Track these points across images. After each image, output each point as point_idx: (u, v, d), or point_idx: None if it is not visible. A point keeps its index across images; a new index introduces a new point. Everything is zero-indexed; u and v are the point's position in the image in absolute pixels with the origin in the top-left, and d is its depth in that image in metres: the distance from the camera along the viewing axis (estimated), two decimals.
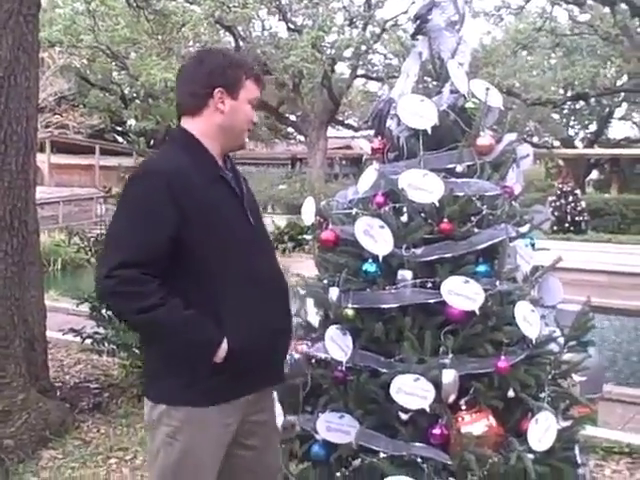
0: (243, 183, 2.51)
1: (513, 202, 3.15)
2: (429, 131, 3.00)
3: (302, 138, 32.06)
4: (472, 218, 2.96)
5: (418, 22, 3.11)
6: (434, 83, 3.19)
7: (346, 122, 34.07)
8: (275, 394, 2.81)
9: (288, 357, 3.28)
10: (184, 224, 2.26)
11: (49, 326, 5.37)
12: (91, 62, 29.82)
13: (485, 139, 3.01)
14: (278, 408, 3.16)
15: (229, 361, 2.30)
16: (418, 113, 2.99)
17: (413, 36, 3.20)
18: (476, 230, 2.96)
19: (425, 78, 3.21)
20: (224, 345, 2.29)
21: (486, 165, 3.05)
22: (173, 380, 2.38)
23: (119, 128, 35.90)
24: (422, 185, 2.92)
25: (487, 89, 3.07)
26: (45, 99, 26.32)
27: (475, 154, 3.01)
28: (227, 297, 2.34)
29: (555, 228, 23.33)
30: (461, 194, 2.94)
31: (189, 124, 2.44)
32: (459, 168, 3.00)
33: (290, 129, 35.19)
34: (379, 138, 3.23)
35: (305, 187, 25.57)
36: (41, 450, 4.46)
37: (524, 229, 3.15)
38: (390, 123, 3.19)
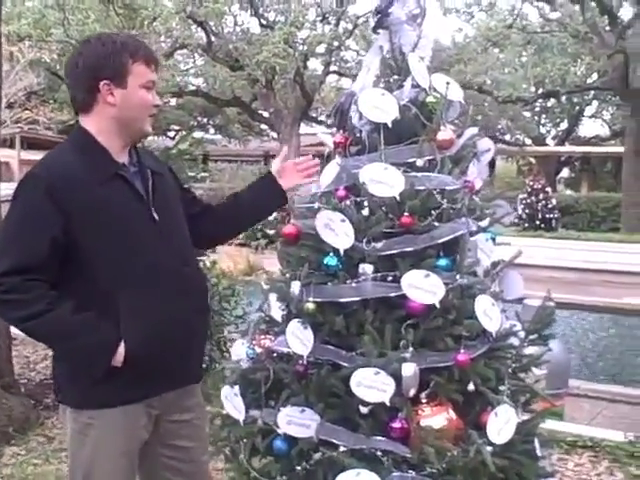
0: (153, 177, 2.41)
1: (474, 196, 3.16)
2: (390, 125, 3.00)
3: (275, 135, 32.01)
4: (433, 212, 2.96)
5: (379, 16, 3.11)
6: (395, 77, 3.19)
7: (319, 119, 34.07)
8: (199, 391, 2.74)
9: (247, 351, 3.29)
10: (69, 226, 2.23)
11: None
12: (61, 57, 29.44)
13: (445, 133, 3.02)
14: (238, 403, 3.16)
15: (126, 363, 2.25)
16: (379, 107, 2.99)
17: (374, 30, 3.20)
18: (437, 224, 2.96)
19: (386, 72, 3.20)
20: (121, 348, 2.23)
21: (447, 159, 3.05)
22: (76, 383, 2.37)
23: None
24: (383, 179, 2.92)
25: (447, 83, 3.07)
26: (15, 94, 26.03)
27: (436, 148, 3.02)
28: (122, 298, 2.27)
29: (526, 225, 23.56)
30: (422, 188, 2.95)
31: (85, 121, 2.38)
32: (419, 162, 3.01)
33: (263, 126, 35.12)
34: (341, 132, 3.23)
35: None
36: (3, 447, 4.43)
37: (485, 223, 3.17)
38: (352, 117, 3.18)
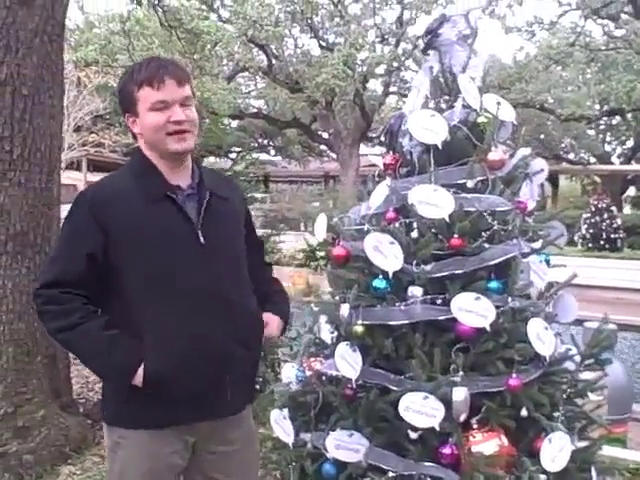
0: (211, 199, 2.41)
1: (526, 217, 3.10)
2: (440, 146, 2.97)
3: (335, 156, 32.12)
4: (483, 234, 2.92)
5: (429, 37, 3.09)
6: (445, 98, 3.16)
7: (378, 140, 34.05)
8: (247, 423, 2.66)
9: (297, 374, 3.27)
10: (109, 244, 2.28)
11: None
12: None
13: (496, 154, 2.97)
14: (287, 426, 3.15)
15: (147, 385, 2.25)
16: (429, 128, 2.96)
17: (424, 51, 3.18)
18: (487, 246, 2.91)
19: (436, 93, 3.18)
20: (140, 370, 2.23)
21: (498, 180, 3.01)
22: (110, 401, 2.42)
23: None
24: (432, 200, 2.89)
25: (498, 103, 3.03)
26: (81, 118, 26.72)
27: (486, 169, 2.97)
28: (149, 318, 2.27)
29: (590, 245, 23.08)
30: (472, 209, 2.91)
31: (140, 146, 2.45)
32: (470, 183, 2.96)
33: (323, 147, 35.29)
34: (391, 154, 3.21)
35: (337, 205, 25.60)
36: (60, 466, 4.50)
37: (537, 245, 3.10)
38: (402, 139, 3.16)
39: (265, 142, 39.40)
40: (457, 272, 2.89)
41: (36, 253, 4.76)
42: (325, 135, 31.40)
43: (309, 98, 26.43)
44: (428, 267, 2.90)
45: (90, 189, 2.45)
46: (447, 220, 2.88)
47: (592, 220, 23.61)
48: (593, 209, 23.76)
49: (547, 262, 3.21)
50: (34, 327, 4.70)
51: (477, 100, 3.05)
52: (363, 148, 31.04)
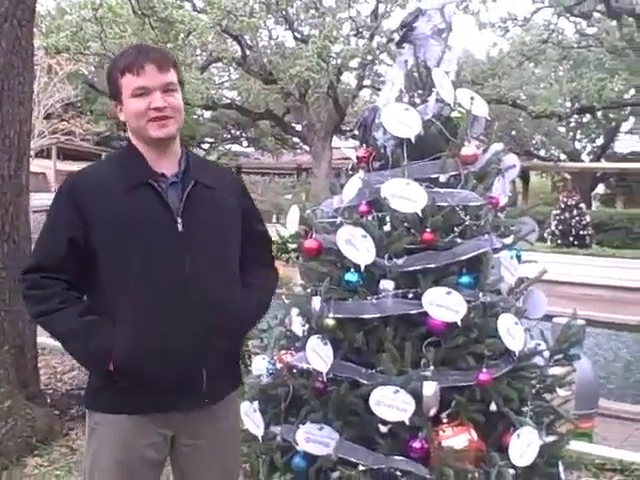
0: (196, 188, 2.38)
1: (498, 213, 3.12)
2: (413, 140, 2.96)
3: (308, 148, 32.08)
4: (455, 228, 2.92)
5: (404, 30, 3.08)
6: (419, 92, 3.15)
7: (352, 133, 34.06)
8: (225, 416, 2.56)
9: (267, 366, 3.26)
10: (88, 230, 2.28)
11: (44, 332, 5.33)
12: (98, 69, 29.91)
13: (469, 149, 2.98)
14: (257, 419, 3.14)
15: (117, 371, 2.26)
16: (402, 122, 2.96)
17: (399, 44, 3.17)
18: (459, 241, 2.92)
19: (410, 87, 3.17)
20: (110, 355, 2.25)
21: (470, 175, 3.01)
22: (89, 385, 2.45)
23: (125, 135, 36.04)
24: (405, 194, 2.88)
25: (472, 98, 3.03)
26: (52, 105, 26.40)
27: (459, 164, 2.97)
28: (122, 304, 2.27)
29: (559, 242, 23.29)
30: (444, 204, 2.91)
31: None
32: (443, 178, 2.96)
33: (296, 139, 35.22)
34: (364, 147, 3.20)
35: (310, 197, 25.57)
36: (26, 457, 4.44)
37: (509, 240, 3.11)
38: (376, 132, 3.16)
39: (238, 133, 39.21)
40: (429, 266, 2.89)
41: (4, 241, 4.69)
42: (298, 127, 31.33)
43: (283, 90, 26.35)
44: (400, 261, 2.90)
45: (73, 177, 2.45)
46: (419, 214, 2.88)
47: (561, 217, 23.82)
48: (563, 206, 23.96)
49: (518, 258, 3.22)
50: (1, 317, 4.64)
51: (451, 94, 3.05)
52: (336, 141, 31.04)
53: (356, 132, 3.21)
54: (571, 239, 23.32)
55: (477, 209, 2.95)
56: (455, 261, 2.90)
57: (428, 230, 2.86)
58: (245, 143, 40.76)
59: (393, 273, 2.91)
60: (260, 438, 3.16)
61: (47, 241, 2.39)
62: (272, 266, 2.75)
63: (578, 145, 40.61)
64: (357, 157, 3.21)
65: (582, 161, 38.40)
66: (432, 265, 2.89)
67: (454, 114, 3.07)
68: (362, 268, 2.91)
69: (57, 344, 6.44)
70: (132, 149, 2.41)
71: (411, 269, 2.90)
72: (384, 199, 2.92)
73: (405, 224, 2.93)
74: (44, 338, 5.43)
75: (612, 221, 26.66)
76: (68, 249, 2.31)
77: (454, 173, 2.99)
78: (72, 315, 2.28)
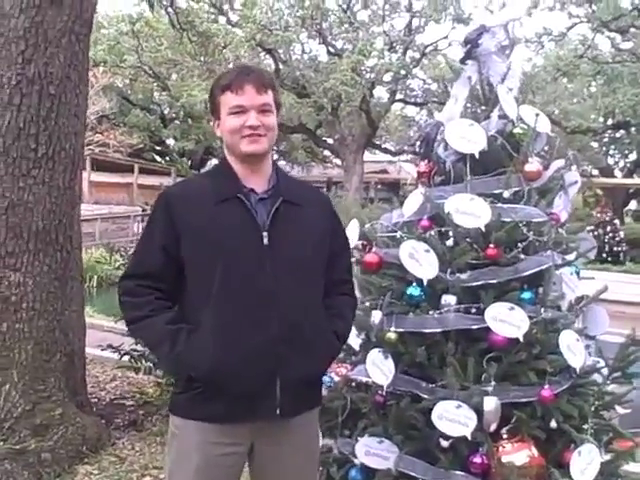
0: (283, 205, 2.41)
1: (559, 229, 3.12)
2: (477, 156, 2.98)
3: (338, 161, 32.15)
4: (518, 244, 2.93)
5: (468, 46, 3.11)
6: (482, 108, 3.18)
7: (383, 146, 34.10)
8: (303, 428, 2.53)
9: (325, 379, 3.27)
10: (178, 239, 2.36)
11: (88, 342, 5.41)
12: (133, 82, 30.33)
13: (533, 165, 2.99)
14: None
15: (200, 379, 2.32)
16: (466, 137, 2.98)
17: (463, 60, 3.19)
18: (522, 256, 2.93)
19: (473, 103, 3.19)
20: (198, 364, 2.31)
21: (533, 191, 3.03)
22: (173, 388, 2.54)
23: (158, 148, 36.37)
24: (469, 210, 2.90)
25: (537, 115, 3.05)
26: (87, 117, 26.75)
27: (523, 180, 2.99)
28: (206, 314, 2.33)
29: (592, 258, 23.06)
30: (508, 220, 2.92)
31: None
32: (506, 194, 2.98)
33: (327, 152, 35.31)
34: (426, 162, 3.22)
35: (340, 211, 25.56)
36: (77, 465, 4.48)
37: (570, 257, 3.11)
38: (437, 147, 3.18)
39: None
40: (491, 282, 2.90)
41: (57, 251, 4.75)
42: (330, 141, 31.43)
43: (315, 103, 26.48)
44: (463, 276, 2.92)
45: (169, 188, 2.58)
46: (483, 230, 2.90)
47: (595, 233, 23.59)
48: (597, 222, 23.73)
49: (577, 274, 3.23)
50: (53, 325, 4.70)
51: (514, 111, 3.07)
52: (367, 155, 31.10)
53: (417, 147, 3.22)
54: (605, 255, 23.05)
55: (540, 225, 2.96)
56: (517, 277, 2.91)
57: (492, 246, 2.88)
58: (276, 156, 40.98)
59: (455, 288, 2.92)
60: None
61: (142, 250, 2.49)
62: (352, 294, 2.68)
63: (611, 160, 40.26)
64: (418, 172, 3.23)
65: (615, 177, 38.05)
66: (494, 280, 2.90)
67: (517, 130, 3.09)
68: (425, 282, 2.93)
69: (99, 353, 6.52)
70: (225, 165, 2.49)
71: (474, 284, 2.91)
72: (447, 214, 2.94)
73: (468, 239, 2.95)
74: (87, 348, 5.49)
75: None
76: (161, 258, 2.38)
77: (517, 189, 3.00)
78: (159, 323, 2.35)
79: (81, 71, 4.88)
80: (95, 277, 16.15)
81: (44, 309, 4.66)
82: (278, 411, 2.36)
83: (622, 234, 23.91)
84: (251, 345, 2.31)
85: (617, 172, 39.95)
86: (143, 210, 25.25)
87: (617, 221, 24.78)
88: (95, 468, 4.50)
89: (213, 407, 2.33)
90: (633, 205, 40.47)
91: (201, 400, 2.34)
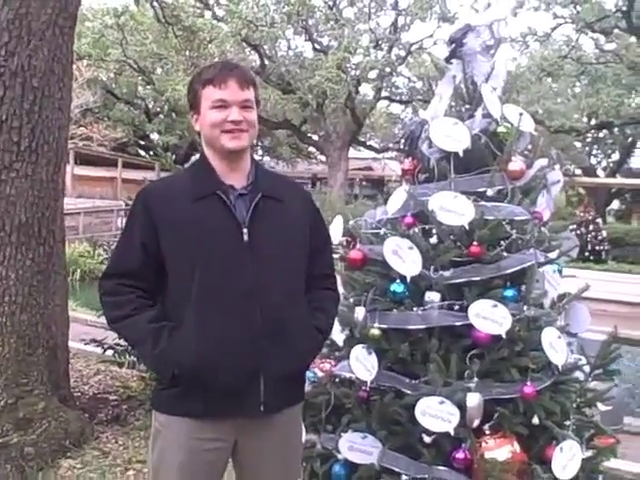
0: (263, 200, 2.41)
1: (542, 228, 3.15)
2: (461, 154, 3.00)
3: (323, 158, 32.14)
4: (501, 242, 2.96)
5: (453, 45, 3.12)
6: (467, 107, 3.20)
7: (368, 143, 34.14)
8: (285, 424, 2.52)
9: (309, 375, 3.28)
10: (157, 235, 2.36)
11: (72, 337, 5.39)
12: (117, 76, 30.17)
13: (517, 164, 3.01)
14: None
15: (182, 376, 2.31)
16: (451, 136, 3.00)
17: (447, 59, 3.21)
18: (505, 254, 2.95)
19: (458, 101, 3.21)
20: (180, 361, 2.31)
21: (516, 190, 3.05)
22: (156, 385, 2.51)
23: (142, 142, 36.23)
24: (452, 207, 2.92)
25: (520, 114, 3.07)
26: (71, 111, 26.58)
27: (506, 178, 3.02)
28: (187, 311, 2.33)
29: (575, 256, 23.19)
30: (491, 218, 2.94)
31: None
32: (490, 192, 3.01)
33: (312, 149, 35.30)
34: (410, 159, 3.24)
35: (325, 207, 25.60)
36: (60, 459, 4.45)
37: (553, 255, 3.14)
38: (421, 145, 3.19)
39: (254, 142, 39.28)
40: (475, 279, 2.93)
41: (40, 245, 4.72)
42: (315, 137, 31.42)
43: (300, 100, 26.45)
44: (446, 273, 2.94)
45: (147, 185, 2.56)
46: (466, 227, 2.92)
47: (577, 232, 23.72)
48: (579, 221, 23.88)
49: (559, 272, 3.25)
50: (36, 319, 4.67)
51: (498, 110, 3.09)
52: (352, 152, 31.11)
53: (402, 145, 3.23)
54: (587, 254, 23.19)
55: (523, 223, 2.99)
56: (500, 274, 2.94)
57: (475, 243, 2.90)
58: (260, 152, 40.88)
59: (439, 285, 2.94)
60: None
61: (122, 248, 2.48)
62: (335, 289, 2.67)
63: (594, 160, 40.50)
64: (402, 169, 3.24)
65: (597, 176, 38.28)
66: (478, 278, 2.93)
67: (500, 129, 3.11)
68: (408, 279, 2.95)
69: (82, 347, 6.48)
70: (204, 161, 2.48)
71: (457, 281, 2.93)
72: (431, 212, 2.96)
73: (451, 237, 2.97)
74: (69, 342, 5.47)
75: (628, 237, 26.53)
76: (141, 256, 2.38)
77: (500, 187, 3.02)
78: (142, 322, 2.35)
79: (65, 64, 4.84)
80: (78, 271, 16.07)
81: (27, 303, 4.63)
82: (262, 407, 2.36)
83: (604, 233, 24.05)
84: (233, 342, 2.31)
85: (600, 172, 40.20)
86: (127, 204, 25.09)
87: (599, 220, 24.92)
88: (78, 462, 4.48)
89: (196, 404, 2.33)
90: (615, 205, 40.74)
91: (184, 397, 2.34)
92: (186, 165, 2.74)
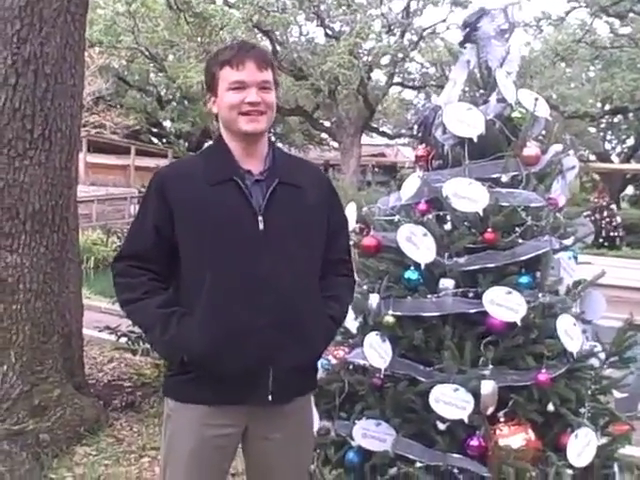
0: (280, 187, 2.37)
1: (557, 214, 3.12)
2: (475, 140, 2.98)
3: (336, 144, 32.08)
4: (516, 229, 2.93)
5: (467, 30, 3.09)
6: (481, 92, 3.16)
7: (381, 130, 34.04)
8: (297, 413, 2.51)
9: (322, 362, 3.28)
10: (171, 219, 2.34)
11: (86, 324, 5.42)
12: (130, 63, 30.19)
13: (531, 149, 2.99)
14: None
15: (191, 362, 2.30)
16: (465, 121, 2.97)
17: (461, 44, 3.18)
18: (520, 241, 2.93)
19: (472, 86, 3.18)
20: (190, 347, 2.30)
21: (531, 176, 3.02)
22: (166, 371, 2.52)
23: (154, 129, 36.26)
24: (467, 194, 2.90)
25: (535, 99, 3.04)
26: (84, 98, 26.60)
27: (521, 164, 2.99)
28: (201, 297, 2.31)
29: (589, 243, 23.08)
30: (506, 204, 2.92)
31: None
32: (504, 178, 2.98)
33: (324, 135, 35.24)
34: (423, 145, 3.22)
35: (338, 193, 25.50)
36: (75, 446, 4.50)
37: (568, 241, 3.12)
38: (435, 131, 3.17)
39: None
40: (489, 266, 2.90)
41: (54, 232, 4.74)
42: (327, 123, 31.36)
43: (313, 86, 26.38)
44: (461, 260, 2.92)
45: (162, 169, 2.53)
46: (481, 214, 2.90)
47: (592, 218, 23.60)
48: (593, 207, 23.76)
49: (575, 259, 3.23)
50: (51, 307, 4.70)
51: (513, 95, 3.06)
52: (364, 138, 31.03)
53: (415, 131, 3.21)
54: (601, 240, 23.08)
55: (538, 210, 2.96)
56: (515, 261, 2.92)
57: (489, 230, 2.88)
58: (273, 138, 40.88)
59: (453, 272, 2.92)
60: (315, 432, 3.18)
61: (135, 230, 2.46)
62: (351, 275, 2.65)
63: (608, 146, 40.27)
64: (416, 156, 3.22)
65: (612, 162, 38.05)
66: (492, 264, 2.90)
67: (515, 114, 3.08)
68: (422, 266, 2.93)
69: (96, 334, 6.52)
70: (221, 144, 2.44)
71: (471, 268, 2.91)
72: (445, 198, 2.93)
73: (466, 223, 2.95)
74: (84, 329, 5.50)
75: None
76: (155, 238, 2.36)
77: (515, 173, 3.00)
78: (152, 306, 2.34)
79: (77, 51, 4.85)
80: (92, 259, 16.18)
81: (41, 290, 4.66)
82: (270, 397, 2.35)
83: (619, 219, 23.94)
84: (244, 330, 2.29)
85: (614, 157, 39.96)
86: (140, 192, 25.18)
87: (614, 206, 24.81)
88: (93, 449, 4.52)
89: (205, 391, 2.33)
90: (630, 190, 40.49)
91: (193, 383, 2.34)
92: (198, 152, 2.70)
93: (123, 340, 5.96)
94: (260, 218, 2.31)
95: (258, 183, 2.37)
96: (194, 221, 2.32)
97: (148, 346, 5.80)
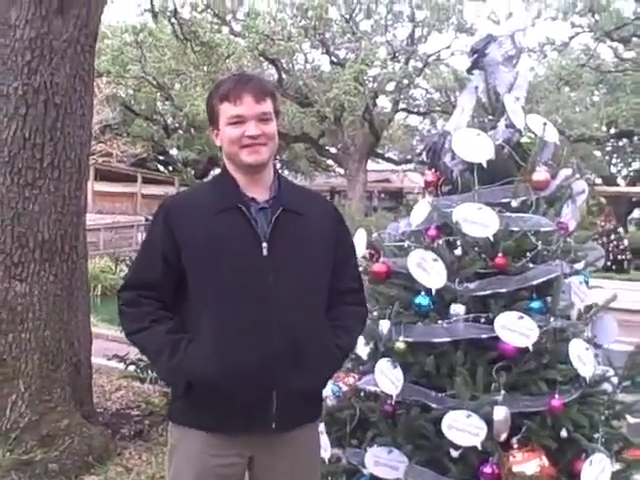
0: (284, 214, 2.37)
1: (568, 238, 3.11)
2: (484, 165, 2.98)
3: (342, 171, 32.18)
4: (527, 253, 2.93)
5: (475, 56, 3.11)
6: (489, 117, 3.18)
7: (386, 155, 34.14)
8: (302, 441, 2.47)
9: (333, 388, 3.26)
10: (178, 248, 2.34)
11: (95, 352, 5.41)
12: (136, 92, 30.40)
13: (541, 174, 2.99)
14: (324, 442, 3.13)
15: (196, 389, 2.29)
16: (473, 147, 2.98)
17: (469, 70, 3.20)
18: (531, 265, 2.92)
19: (480, 112, 3.20)
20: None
21: (541, 200, 3.02)
22: (171, 396, 2.51)
23: (161, 157, 36.45)
24: (477, 219, 2.90)
25: (544, 124, 3.05)
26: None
27: (530, 189, 2.99)
28: (205, 325, 2.31)
29: (600, 267, 23.00)
30: (516, 229, 2.92)
31: None
32: (514, 203, 2.98)
33: (330, 161, 35.35)
34: (433, 171, 3.22)
35: (345, 220, 25.52)
36: (84, 475, 4.47)
37: (579, 266, 3.11)
38: (444, 156, 3.18)
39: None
40: (500, 291, 2.90)
41: (64, 261, 4.76)
42: (333, 150, 31.47)
43: (318, 113, 26.53)
44: (471, 285, 2.91)
45: (168, 198, 2.55)
46: (491, 239, 2.89)
47: (599, 241, 23.55)
48: (600, 230, 23.71)
49: (586, 283, 3.22)
50: (60, 335, 4.70)
51: (522, 120, 3.07)
52: (370, 164, 31.11)
53: (424, 157, 3.22)
54: (609, 264, 23.01)
55: (548, 234, 2.96)
56: (526, 286, 2.91)
57: (500, 255, 2.87)
58: (278, 165, 41.03)
59: (464, 297, 2.91)
60: (326, 460, 3.16)
61: (143, 260, 2.46)
62: (362, 305, 2.60)
63: (614, 169, 40.27)
64: (425, 181, 3.23)
65: (618, 185, 38.04)
66: (503, 290, 2.90)
67: (524, 140, 3.09)
68: (433, 292, 2.92)
69: (104, 362, 6.50)
70: (226, 174, 2.46)
71: (482, 293, 2.91)
72: (456, 224, 2.93)
73: (476, 248, 2.95)
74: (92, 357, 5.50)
75: None
76: (162, 268, 2.36)
77: (525, 198, 3.00)
78: (159, 333, 2.34)
79: (87, 81, 4.90)
80: (99, 286, 16.18)
81: (50, 319, 4.67)
82: (274, 425, 2.33)
83: (626, 242, 23.91)
84: (249, 358, 2.27)
85: (620, 180, 39.95)
86: (147, 220, 25.27)
87: (621, 229, 24.77)
88: (102, 478, 4.49)
89: (209, 417, 2.32)
90: (637, 213, 40.45)
91: (197, 409, 2.32)
92: (205, 180, 2.73)
93: (131, 368, 5.94)
94: (265, 245, 2.31)
95: (263, 210, 2.37)
96: (198, 248, 2.32)
97: (156, 374, 5.79)
